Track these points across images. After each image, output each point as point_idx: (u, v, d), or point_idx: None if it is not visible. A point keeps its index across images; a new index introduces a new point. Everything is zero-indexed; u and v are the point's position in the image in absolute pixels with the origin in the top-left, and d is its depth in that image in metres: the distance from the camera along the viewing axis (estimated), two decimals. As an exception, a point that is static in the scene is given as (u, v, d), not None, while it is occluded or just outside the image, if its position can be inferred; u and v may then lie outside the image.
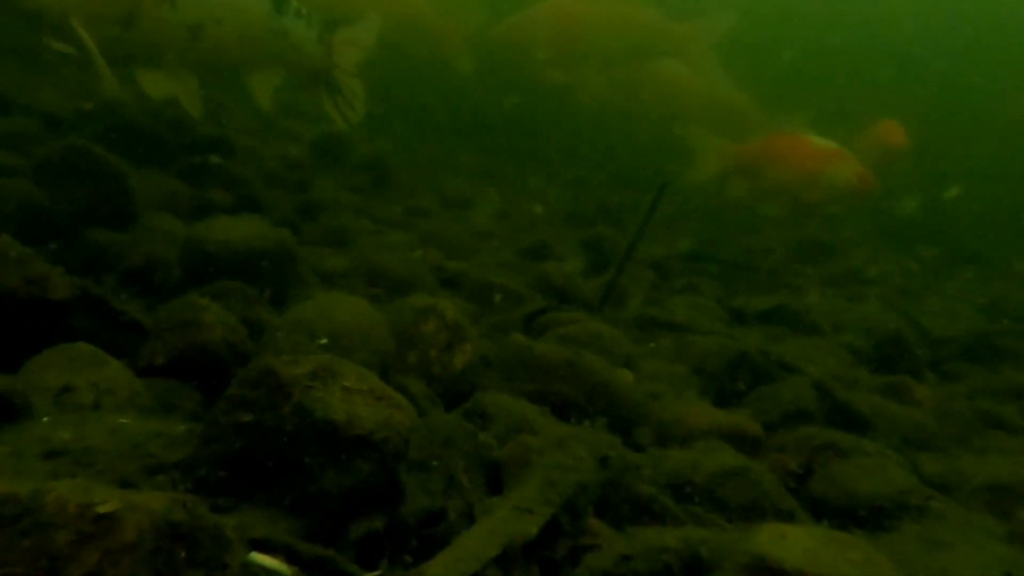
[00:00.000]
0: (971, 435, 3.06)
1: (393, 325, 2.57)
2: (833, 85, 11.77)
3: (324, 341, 2.27)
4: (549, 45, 8.35)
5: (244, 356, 2.29)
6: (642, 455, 2.28)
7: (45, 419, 1.69)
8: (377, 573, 1.50)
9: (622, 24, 8.42)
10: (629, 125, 9.67)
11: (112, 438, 1.62)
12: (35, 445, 1.57)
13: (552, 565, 1.66)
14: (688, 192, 7.58)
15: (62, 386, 1.84)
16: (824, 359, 3.84)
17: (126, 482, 1.53)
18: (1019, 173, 10.24)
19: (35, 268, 2.13)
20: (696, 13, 8.36)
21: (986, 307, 5.64)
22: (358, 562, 1.53)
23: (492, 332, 3.25)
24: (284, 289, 3.14)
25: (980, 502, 2.37)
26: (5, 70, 5.04)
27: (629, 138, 10.00)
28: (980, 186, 9.84)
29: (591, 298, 4.07)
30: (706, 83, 8.82)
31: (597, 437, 2.22)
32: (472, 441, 1.97)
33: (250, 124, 6.50)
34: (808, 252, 7.01)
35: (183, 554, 1.20)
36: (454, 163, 8.27)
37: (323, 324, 2.33)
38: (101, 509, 1.14)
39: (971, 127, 10.97)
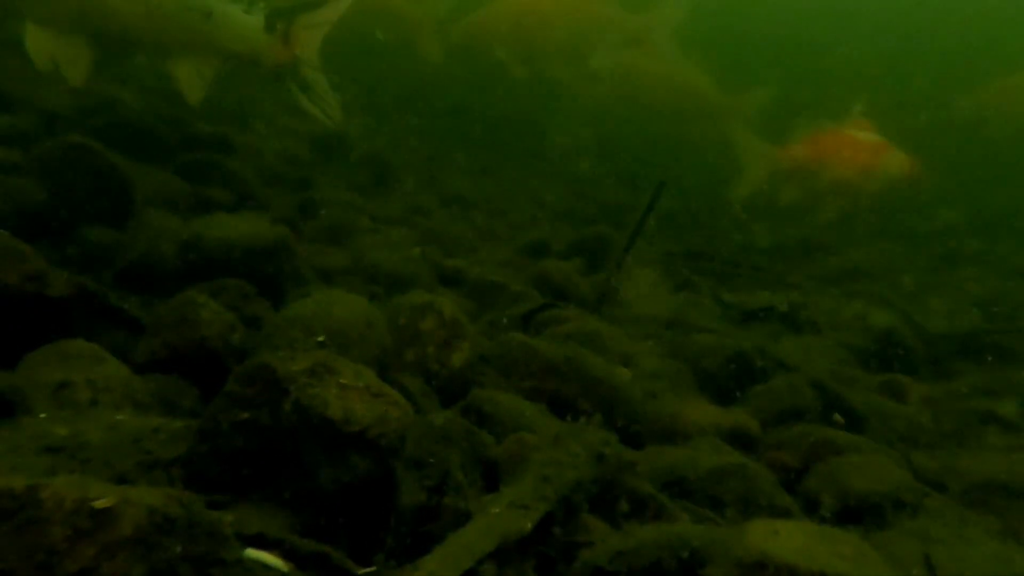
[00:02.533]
0: (967, 432, 3.07)
1: (391, 322, 2.57)
2: (784, 73, 11.85)
3: (321, 338, 2.28)
4: (509, 41, 8.43)
5: (242, 353, 2.30)
6: (639, 452, 2.29)
7: (42, 415, 1.70)
8: (372, 569, 1.50)
9: (581, 18, 8.52)
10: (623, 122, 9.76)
11: (109, 434, 1.63)
12: (32, 441, 1.58)
13: (547, 561, 1.67)
14: (688, 190, 7.59)
15: (59, 382, 1.84)
16: (821, 357, 3.85)
17: (123, 478, 1.53)
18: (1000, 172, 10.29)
19: (34, 265, 2.14)
20: (651, 4, 8.48)
21: (983, 304, 5.64)
22: (353, 558, 1.53)
23: (490, 329, 3.25)
24: (282, 286, 3.15)
25: (975, 499, 2.38)
26: (4, 66, 5.03)
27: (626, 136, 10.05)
28: (969, 185, 9.88)
29: (589, 296, 4.07)
30: (670, 71, 8.90)
31: (594, 434, 2.22)
32: (469, 438, 1.98)
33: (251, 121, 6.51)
34: (805, 250, 7.02)
35: (179, 549, 1.21)
36: (453, 162, 8.28)
37: (321, 321, 2.33)
38: (97, 504, 1.14)
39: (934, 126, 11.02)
